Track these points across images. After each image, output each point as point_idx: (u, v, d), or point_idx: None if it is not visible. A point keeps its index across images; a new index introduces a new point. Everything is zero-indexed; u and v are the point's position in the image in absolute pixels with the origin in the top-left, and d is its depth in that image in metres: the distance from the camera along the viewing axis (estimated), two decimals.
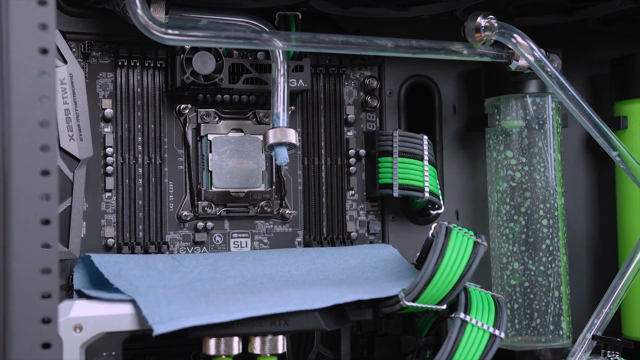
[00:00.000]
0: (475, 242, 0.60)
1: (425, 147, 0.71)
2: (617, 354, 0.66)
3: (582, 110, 0.66)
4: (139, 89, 0.66)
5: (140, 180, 0.67)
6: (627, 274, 0.66)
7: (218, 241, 0.69)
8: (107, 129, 0.64)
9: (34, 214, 0.43)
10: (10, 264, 0.44)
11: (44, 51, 0.43)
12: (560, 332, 0.72)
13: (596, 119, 0.66)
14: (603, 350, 0.65)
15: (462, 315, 0.59)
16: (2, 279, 0.45)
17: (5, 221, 0.45)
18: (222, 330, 0.55)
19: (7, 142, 0.43)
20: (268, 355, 0.56)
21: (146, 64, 0.66)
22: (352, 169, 0.74)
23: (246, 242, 0.71)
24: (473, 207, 0.80)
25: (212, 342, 0.54)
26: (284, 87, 0.62)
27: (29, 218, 0.43)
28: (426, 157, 0.71)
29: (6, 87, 0.44)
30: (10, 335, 0.43)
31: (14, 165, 0.43)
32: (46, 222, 0.44)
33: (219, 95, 0.67)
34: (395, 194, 0.71)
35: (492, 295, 0.63)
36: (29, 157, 0.43)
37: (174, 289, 0.58)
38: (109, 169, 0.64)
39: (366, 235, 0.75)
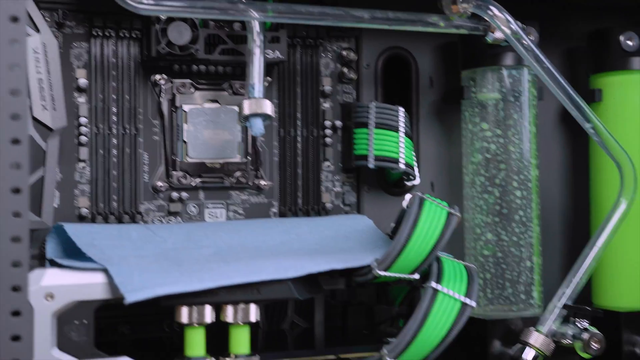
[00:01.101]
0: (448, 213, 0.59)
1: (402, 119, 0.70)
2: (586, 322, 0.66)
3: (557, 83, 0.65)
4: (113, 60, 0.65)
5: (115, 151, 0.66)
6: (597, 245, 0.65)
7: (193, 212, 0.69)
8: (81, 99, 0.63)
9: (4, 183, 0.43)
10: None
11: (15, 19, 0.43)
12: (532, 302, 0.72)
13: (571, 92, 0.66)
14: (573, 319, 0.65)
15: (433, 284, 0.58)
16: None
17: None
18: (194, 298, 0.54)
19: None
20: (240, 323, 0.55)
21: (121, 34, 0.65)
22: (328, 140, 0.73)
23: (221, 212, 0.70)
24: (448, 178, 0.79)
25: (184, 311, 0.53)
26: (259, 58, 0.60)
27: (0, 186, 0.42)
28: (402, 129, 0.70)
29: None
30: None
31: None
32: (16, 190, 0.44)
33: (194, 66, 0.66)
34: (371, 165, 0.70)
35: (464, 265, 0.63)
36: None
37: (147, 259, 0.58)
38: (83, 139, 0.63)
39: (341, 206, 0.75)
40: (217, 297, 0.54)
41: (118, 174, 0.65)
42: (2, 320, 0.44)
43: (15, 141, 0.44)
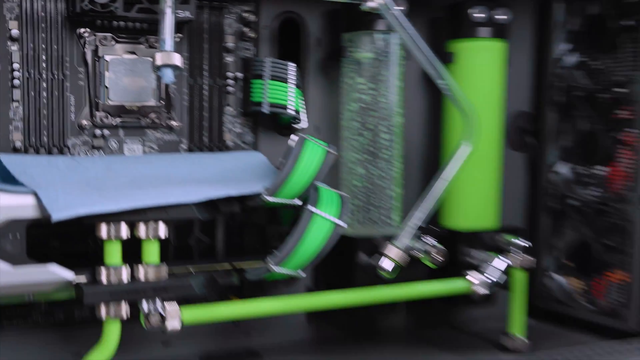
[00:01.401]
0: (326, 151, 0.67)
1: (292, 73, 0.76)
2: (433, 239, 0.75)
3: (417, 47, 0.71)
4: (42, 14, 0.68)
5: (45, 93, 0.69)
6: (444, 178, 0.73)
7: (114, 146, 0.74)
8: (14, 47, 0.66)
9: None
10: None
11: None
12: (392, 223, 0.81)
13: (428, 54, 0.72)
14: (423, 236, 0.74)
15: (311, 207, 0.65)
16: None
17: None
18: (111, 217, 0.60)
19: None
20: (151, 239, 0.62)
21: None
22: (230, 89, 0.79)
23: (138, 148, 0.75)
24: (330, 123, 0.85)
25: (103, 228, 0.59)
26: (170, 17, 0.64)
27: None
28: (292, 81, 0.76)
29: None
30: None
31: None
32: None
33: (115, 22, 0.70)
34: (265, 111, 0.76)
35: (338, 193, 0.70)
36: None
37: (71, 185, 0.62)
38: (16, 82, 0.67)
39: (240, 144, 0.80)
40: (131, 216, 0.60)
41: (48, 113, 0.69)
42: None
43: None
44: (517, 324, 0.82)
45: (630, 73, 0.84)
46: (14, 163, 0.63)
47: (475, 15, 0.82)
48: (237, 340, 0.83)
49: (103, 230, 0.59)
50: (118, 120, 0.73)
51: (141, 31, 0.73)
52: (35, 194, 0.57)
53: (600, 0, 0.89)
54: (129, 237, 0.61)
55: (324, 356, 0.83)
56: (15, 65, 0.67)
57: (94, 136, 0.72)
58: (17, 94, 0.67)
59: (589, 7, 0.91)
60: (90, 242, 0.65)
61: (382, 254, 0.73)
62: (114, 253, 0.60)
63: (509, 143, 0.96)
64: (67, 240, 0.68)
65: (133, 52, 0.73)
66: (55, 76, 0.70)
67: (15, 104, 0.67)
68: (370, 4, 0.70)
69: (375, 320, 0.91)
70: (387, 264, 0.72)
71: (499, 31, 0.84)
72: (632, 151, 0.84)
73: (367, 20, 0.76)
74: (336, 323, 0.88)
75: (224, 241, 0.75)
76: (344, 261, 0.78)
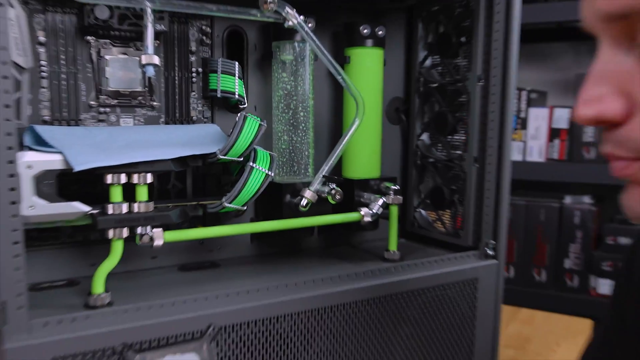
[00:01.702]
0: (259, 124, 0.73)
1: (237, 69, 0.80)
2: (335, 186, 0.81)
3: (322, 52, 0.77)
4: (61, 26, 0.72)
5: (64, 82, 0.73)
6: (342, 143, 0.80)
7: (113, 120, 0.77)
8: (42, 50, 0.71)
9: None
10: None
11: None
12: (308, 174, 0.87)
13: (329, 56, 0.78)
14: (328, 183, 0.81)
15: (251, 163, 0.73)
16: None
17: None
18: (114, 169, 0.65)
19: None
20: (142, 184, 0.67)
21: (64, 10, 0.72)
22: (194, 79, 0.83)
23: (130, 121, 0.79)
24: (264, 104, 0.89)
25: (109, 176, 0.65)
26: (150, 29, 0.68)
27: None
28: (237, 74, 0.80)
29: None
30: None
31: None
32: (7, 106, 0.54)
33: (112, 32, 0.74)
34: (219, 95, 0.80)
35: (269, 153, 0.76)
36: None
37: (85, 146, 0.66)
38: (43, 74, 0.71)
39: (202, 119, 0.84)
40: (128, 168, 0.65)
41: (66, 95, 0.74)
42: (2, 180, 0.55)
43: (4, 77, 0.54)
44: (393, 242, 0.87)
45: (465, 73, 0.89)
46: (44, 131, 0.66)
47: (363, 30, 0.87)
48: (202, 255, 0.86)
49: (108, 178, 0.64)
50: (115, 101, 0.77)
51: (130, 39, 0.76)
52: (62, 153, 0.62)
53: (446, 23, 0.93)
54: (127, 182, 0.66)
55: (262, 265, 0.86)
56: (43, 62, 0.71)
57: (99, 112, 0.76)
58: (44, 82, 0.71)
59: (439, 27, 0.96)
60: (99, 186, 0.68)
61: (300, 195, 0.79)
62: (116, 194, 0.65)
63: (387, 118, 1.01)
64: (84, 184, 0.72)
65: (125, 54, 0.76)
66: (71, 70, 0.74)
67: (43, 90, 0.71)
68: (290, 23, 0.75)
69: (297, 240, 0.95)
70: (304, 202, 0.79)
71: (379, 42, 0.89)
72: (467, 127, 0.89)
73: (289, 33, 0.81)
74: (270, 242, 0.92)
75: (191, 186, 0.81)
76: (275, 200, 0.83)
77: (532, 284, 1.72)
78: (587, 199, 1.70)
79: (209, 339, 0.62)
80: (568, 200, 1.71)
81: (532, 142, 1.72)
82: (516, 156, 1.73)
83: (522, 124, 1.74)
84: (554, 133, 1.69)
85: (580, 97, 0.39)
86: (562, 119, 1.68)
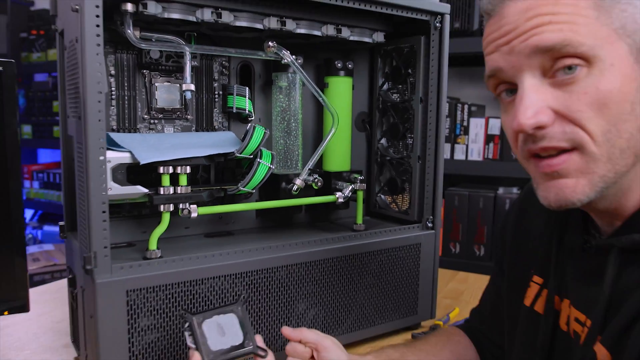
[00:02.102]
0: (264, 132, 0.82)
1: (247, 92, 0.89)
2: (317, 176, 0.90)
3: (308, 81, 0.87)
4: (126, 62, 0.82)
5: (127, 102, 0.82)
6: (322, 145, 0.89)
7: (159, 128, 0.86)
8: (112, 79, 0.80)
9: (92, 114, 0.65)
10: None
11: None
12: (297, 167, 0.95)
13: (313, 83, 0.87)
14: (313, 174, 0.90)
15: (258, 159, 0.83)
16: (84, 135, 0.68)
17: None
18: (164, 163, 0.75)
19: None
20: (183, 173, 0.77)
21: (129, 52, 0.82)
22: (216, 99, 0.91)
23: (171, 129, 0.87)
24: (267, 117, 0.97)
25: (161, 168, 0.74)
26: (188, 65, 0.78)
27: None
28: (247, 96, 0.89)
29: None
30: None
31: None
32: (99, 120, 0.66)
33: (160, 67, 0.83)
34: (234, 111, 0.89)
35: (271, 153, 0.84)
36: None
37: (145, 147, 0.76)
38: (113, 96, 0.80)
39: (222, 128, 0.92)
40: (173, 162, 0.76)
41: (129, 111, 0.83)
42: (97, 170, 0.67)
43: (99, 101, 0.65)
44: (360, 218, 0.97)
45: (411, 95, 0.99)
46: (116, 137, 0.76)
47: (337, 64, 0.96)
48: (221, 226, 0.95)
49: (161, 169, 0.75)
50: (161, 115, 0.85)
51: (173, 71, 0.86)
52: (130, 152, 0.73)
53: (397, 59, 1.01)
54: (173, 172, 0.76)
55: (265, 234, 0.94)
56: (113, 88, 0.81)
57: (150, 123, 0.85)
58: (113, 102, 0.81)
59: (393, 61, 1.04)
60: (153, 175, 0.78)
61: (292, 182, 0.88)
62: (166, 180, 0.76)
63: (356, 127, 1.08)
64: (145, 173, 0.79)
65: (169, 82, 0.85)
66: (132, 93, 0.83)
67: (112, 107, 0.81)
68: (285, 60, 0.86)
69: (289, 216, 1.02)
70: (295, 187, 0.88)
71: (349, 72, 0.98)
72: (413, 133, 0.98)
73: (284, 67, 0.90)
74: (270, 217, 0.99)
75: (214, 176, 0.88)
76: (274, 186, 0.90)
77: (473, 257, 1.83)
78: (515, 190, 1.83)
79: (241, 303, 0.66)
80: (501, 191, 1.82)
81: (473, 145, 1.86)
82: (460, 156, 1.86)
83: (465, 131, 1.87)
84: (489, 138, 1.82)
85: (520, 114, 0.47)
86: (495, 127, 1.84)
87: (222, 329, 0.62)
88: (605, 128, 0.47)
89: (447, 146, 1.86)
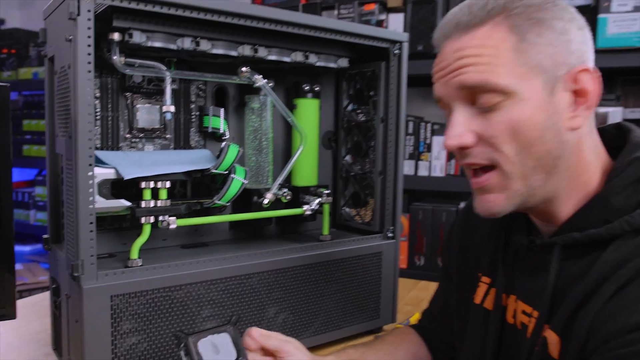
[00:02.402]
0: (238, 149, 0.88)
1: (221, 113, 0.94)
2: (287, 190, 0.96)
3: (278, 103, 0.94)
4: (109, 85, 0.88)
5: (110, 122, 0.87)
6: (292, 161, 0.96)
7: (140, 147, 0.91)
8: (97, 102, 0.85)
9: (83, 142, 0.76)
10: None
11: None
12: (268, 182, 1.00)
13: (283, 105, 0.94)
14: (282, 188, 0.96)
15: (232, 175, 0.89)
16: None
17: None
18: (146, 178, 0.81)
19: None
20: (163, 188, 0.83)
21: (112, 76, 0.87)
22: (193, 120, 0.98)
23: (151, 147, 0.93)
24: (240, 136, 1.03)
25: (143, 183, 0.81)
26: (169, 88, 0.84)
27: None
28: (222, 116, 0.94)
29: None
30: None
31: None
32: (90, 139, 0.72)
33: (142, 90, 0.89)
34: (210, 130, 0.95)
35: (244, 169, 0.91)
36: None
37: (128, 164, 0.81)
38: (97, 116, 0.85)
39: (198, 146, 0.98)
40: (154, 178, 0.82)
41: (111, 131, 0.88)
42: (85, 185, 0.73)
43: (89, 122, 0.71)
44: (326, 229, 1.04)
45: (373, 115, 1.07)
46: (101, 155, 0.82)
47: (305, 87, 1.04)
48: (196, 238, 1.00)
49: (143, 184, 0.81)
50: (142, 134, 0.91)
51: (154, 94, 0.91)
52: (115, 168, 0.79)
53: (360, 82, 1.10)
54: (154, 186, 0.82)
55: (237, 244, 0.99)
56: (97, 109, 0.85)
57: (132, 142, 0.90)
58: (97, 122, 0.86)
59: (356, 84, 1.13)
60: (135, 189, 0.83)
61: (263, 196, 0.95)
62: (147, 194, 0.82)
63: (322, 145, 1.15)
64: (127, 187, 0.84)
65: (149, 103, 0.91)
66: (115, 114, 0.88)
67: (96, 127, 0.85)
68: (257, 84, 0.92)
69: (261, 228, 1.08)
70: (265, 201, 0.94)
71: (316, 94, 1.05)
72: (374, 151, 1.06)
73: (256, 90, 0.96)
74: (243, 229, 1.05)
75: (191, 190, 0.96)
76: (246, 199, 0.97)
77: (437, 269, 1.90)
78: None
79: (233, 323, 0.68)
80: (462, 205, 1.91)
81: (435, 161, 1.97)
82: (424, 172, 1.98)
83: (428, 148, 1.99)
84: (451, 155, 1.93)
85: (448, 136, 0.58)
86: None
87: (216, 348, 0.65)
88: (517, 150, 0.57)
89: (412, 163, 1.98)
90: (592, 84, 0.58)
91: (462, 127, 0.58)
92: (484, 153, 0.58)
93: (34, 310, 1.18)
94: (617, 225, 0.57)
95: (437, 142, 1.96)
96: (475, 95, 0.57)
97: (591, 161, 0.61)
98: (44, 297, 1.28)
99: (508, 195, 0.59)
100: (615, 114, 1.80)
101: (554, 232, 0.63)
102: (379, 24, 1.92)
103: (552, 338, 0.58)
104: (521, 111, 0.56)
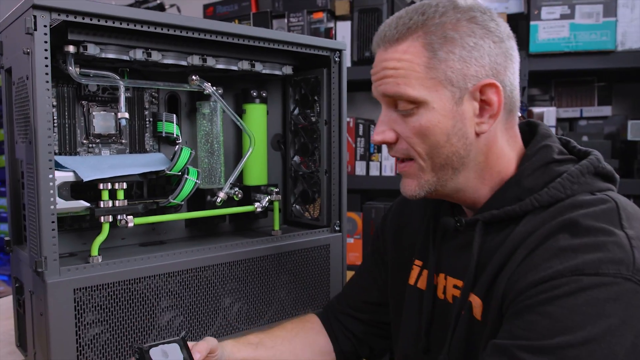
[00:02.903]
0: (190, 152, 0.97)
1: (174, 119, 1.00)
2: (238, 189, 1.03)
3: (228, 108, 1.01)
4: (66, 95, 0.93)
5: (67, 128, 0.92)
6: (242, 162, 1.04)
7: (97, 151, 0.97)
8: (54, 110, 0.90)
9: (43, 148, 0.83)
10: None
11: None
12: (220, 182, 1.07)
13: (232, 110, 1.02)
14: (233, 187, 1.03)
15: (185, 175, 0.96)
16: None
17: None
18: (104, 180, 0.87)
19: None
20: (120, 189, 0.88)
21: (69, 86, 0.93)
22: (147, 125, 1.03)
23: (107, 152, 0.99)
24: (192, 140, 1.10)
25: (101, 184, 0.88)
26: (123, 97, 0.89)
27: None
28: (174, 122, 1.00)
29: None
30: None
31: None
32: (49, 145, 0.79)
33: (97, 98, 0.95)
34: (163, 135, 1.00)
35: (197, 170, 0.98)
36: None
37: (86, 167, 0.87)
38: (55, 123, 0.90)
39: (153, 150, 1.04)
40: (111, 179, 0.88)
41: (69, 137, 0.94)
42: (46, 188, 0.80)
43: (49, 129, 0.78)
44: (277, 224, 1.11)
45: (317, 118, 1.16)
46: (60, 159, 0.87)
47: (253, 93, 1.12)
48: (154, 236, 1.07)
49: (101, 185, 0.87)
50: (98, 140, 0.97)
51: (109, 101, 0.97)
52: (74, 171, 0.85)
53: (305, 87, 1.17)
54: (111, 188, 0.88)
55: (193, 241, 1.06)
56: (55, 117, 0.91)
57: (89, 147, 0.96)
58: (55, 129, 0.91)
59: (302, 90, 1.20)
60: (93, 192, 0.91)
61: (216, 195, 1.01)
62: (105, 195, 0.88)
63: (271, 147, 1.23)
64: (85, 190, 0.91)
65: (105, 110, 0.97)
66: (71, 121, 0.94)
67: (55, 134, 0.90)
68: (207, 91, 1.00)
69: (215, 226, 1.14)
70: (218, 200, 1.02)
71: (263, 100, 1.13)
72: (319, 151, 1.14)
73: (205, 96, 1.04)
74: (198, 227, 1.12)
75: (147, 191, 1.02)
76: (200, 199, 1.04)
77: None
78: None
79: (183, 336, 0.76)
80: None
81: (386, 162, 2.08)
82: (375, 172, 2.08)
83: (378, 149, 2.10)
84: None
85: (375, 132, 0.71)
86: None
87: (166, 354, 0.73)
88: (427, 150, 0.69)
89: (363, 164, 2.09)
90: (496, 96, 0.67)
91: (386, 125, 0.70)
92: (402, 149, 0.71)
93: None
94: (527, 202, 0.68)
95: None
96: (396, 102, 0.69)
97: (506, 154, 0.72)
98: (6, 302, 1.32)
99: (419, 183, 0.72)
100: (550, 113, 1.97)
101: (475, 213, 0.75)
102: (328, 31, 2.04)
103: (476, 302, 0.68)
104: (430, 118, 0.67)
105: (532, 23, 1.82)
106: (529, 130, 0.76)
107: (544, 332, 0.56)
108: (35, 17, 0.78)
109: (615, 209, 0.63)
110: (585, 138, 1.87)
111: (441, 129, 0.67)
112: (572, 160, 0.70)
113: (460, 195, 0.75)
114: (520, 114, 1.87)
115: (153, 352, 0.72)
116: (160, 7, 2.08)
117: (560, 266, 0.59)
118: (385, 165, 2.07)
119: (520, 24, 1.90)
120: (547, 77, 2.02)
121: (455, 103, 0.66)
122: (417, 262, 0.83)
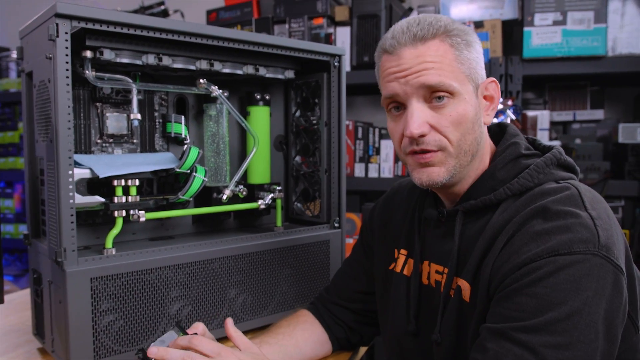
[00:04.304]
0: (198, 152, 1.02)
1: (183, 120, 1.05)
2: (243, 187, 1.10)
3: (233, 110, 1.06)
4: (81, 97, 0.99)
5: (82, 129, 0.99)
6: (246, 161, 1.08)
7: (110, 151, 1.02)
8: (70, 111, 1.00)
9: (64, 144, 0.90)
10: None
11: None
12: (226, 180, 1.11)
13: (237, 112, 1.07)
14: (238, 185, 1.10)
15: (194, 173, 1.02)
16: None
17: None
18: (117, 177, 0.94)
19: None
20: (133, 185, 0.95)
21: (84, 88, 0.99)
22: (157, 126, 1.09)
23: (120, 151, 1.04)
24: (200, 140, 1.14)
25: (115, 181, 0.93)
26: (135, 99, 0.97)
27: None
28: (183, 123, 1.05)
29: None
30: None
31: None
32: (70, 143, 0.88)
33: (111, 100, 1.01)
34: (172, 135, 1.05)
35: (204, 169, 1.02)
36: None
37: (101, 164, 0.93)
38: (72, 125, 1.01)
39: (162, 150, 1.10)
40: (125, 176, 0.94)
41: (84, 136, 1.00)
42: (66, 183, 0.87)
43: (69, 128, 0.87)
44: (279, 221, 1.18)
45: (318, 120, 1.21)
46: (77, 157, 0.92)
47: (257, 96, 1.16)
48: (163, 232, 1.13)
49: (115, 182, 0.93)
50: (111, 140, 1.02)
51: (122, 103, 1.03)
52: (90, 169, 0.91)
53: (306, 91, 1.23)
54: (125, 184, 0.94)
55: (200, 236, 1.11)
56: (71, 117, 0.88)
57: (102, 147, 1.01)
58: (73, 130, 0.89)
59: (303, 93, 1.25)
60: (106, 189, 0.97)
61: (222, 193, 1.07)
62: (119, 190, 0.95)
63: (274, 147, 1.27)
64: (100, 187, 0.97)
65: (117, 112, 1.03)
66: (87, 122, 1.01)
67: (72, 136, 0.92)
68: (214, 94, 1.05)
69: (221, 222, 1.21)
70: (224, 197, 1.07)
71: (267, 102, 1.18)
72: (320, 151, 1.20)
73: (212, 98, 1.09)
74: (204, 223, 1.18)
75: (157, 188, 1.09)
76: (207, 196, 1.10)
77: None
78: None
79: (180, 324, 0.83)
80: None
81: (384, 164, 2.16)
82: (374, 174, 2.15)
83: (377, 151, 2.16)
84: (398, 157, 2.14)
85: (412, 126, 0.73)
86: None
87: (163, 342, 0.79)
88: (459, 137, 0.76)
89: (362, 165, 2.17)
90: (496, 92, 0.80)
91: (422, 119, 0.74)
92: (435, 141, 0.75)
93: (9, 307, 1.29)
94: (501, 192, 0.77)
95: (385, 145, 2.14)
96: (431, 93, 0.74)
97: (487, 148, 0.82)
98: (15, 297, 1.38)
99: (447, 168, 0.77)
100: (543, 116, 2.05)
101: (455, 204, 0.83)
102: (328, 36, 2.11)
103: (464, 285, 0.75)
104: (463, 107, 0.75)
105: (525, 29, 1.90)
106: (500, 130, 0.86)
107: (534, 312, 0.63)
108: (57, 24, 0.85)
109: (577, 195, 0.71)
110: (578, 141, 1.93)
111: (469, 117, 0.75)
112: (538, 155, 0.79)
113: (456, 187, 0.82)
114: (514, 118, 1.93)
115: (151, 344, 0.77)
116: (165, 13, 2.15)
117: (537, 249, 0.66)
118: (384, 167, 2.14)
119: (514, 29, 1.97)
120: (541, 82, 2.11)
121: (475, 96, 0.76)
122: (403, 251, 0.90)
